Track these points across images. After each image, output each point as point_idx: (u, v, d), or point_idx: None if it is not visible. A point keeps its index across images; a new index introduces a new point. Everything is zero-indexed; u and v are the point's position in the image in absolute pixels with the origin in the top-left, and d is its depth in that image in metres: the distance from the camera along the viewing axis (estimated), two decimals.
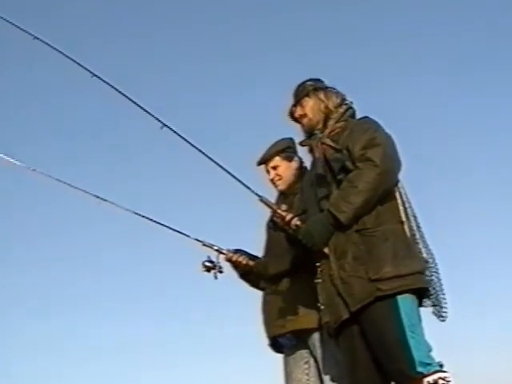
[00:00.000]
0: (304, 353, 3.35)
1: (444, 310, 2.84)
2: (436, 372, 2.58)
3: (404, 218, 2.83)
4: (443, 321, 2.85)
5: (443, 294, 2.86)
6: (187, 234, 3.45)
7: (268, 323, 3.42)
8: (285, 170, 3.51)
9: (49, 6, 8.44)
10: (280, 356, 3.49)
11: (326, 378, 3.22)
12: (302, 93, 3.12)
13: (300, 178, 3.46)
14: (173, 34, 8.93)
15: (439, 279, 2.87)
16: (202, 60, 8.84)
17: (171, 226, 3.46)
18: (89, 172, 8.05)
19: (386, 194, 2.80)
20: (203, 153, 3.10)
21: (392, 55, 8.69)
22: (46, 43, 3.25)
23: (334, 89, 3.14)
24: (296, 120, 3.15)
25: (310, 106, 3.08)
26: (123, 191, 7.74)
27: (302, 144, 3.14)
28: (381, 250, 2.70)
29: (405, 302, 2.67)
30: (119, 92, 3.19)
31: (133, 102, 3.18)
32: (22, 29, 3.27)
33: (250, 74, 8.74)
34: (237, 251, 3.45)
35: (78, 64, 3.20)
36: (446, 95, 8.64)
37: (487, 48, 8.72)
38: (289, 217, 2.94)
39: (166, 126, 3.14)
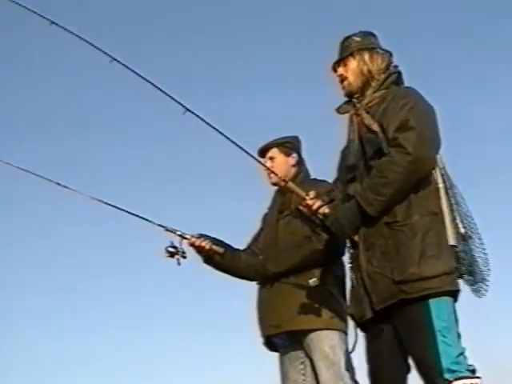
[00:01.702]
0: (299, 353, 3.34)
1: (485, 287, 2.70)
2: (463, 378, 2.46)
3: (443, 196, 2.66)
4: (481, 296, 2.71)
5: (487, 268, 2.70)
6: (150, 219, 3.40)
7: (262, 322, 3.41)
8: (280, 163, 3.52)
9: None
10: (275, 355, 3.47)
11: (322, 379, 3.23)
12: (346, 50, 2.89)
13: (297, 175, 3.51)
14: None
15: (483, 252, 2.70)
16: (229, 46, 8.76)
17: (134, 212, 3.41)
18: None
19: (420, 181, 2.63)
20: (229, 138, 3.02)
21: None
22: (64, 28, 3.18)
23: (384, 50, 2.90)
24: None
25: (353, 68, 2.85)
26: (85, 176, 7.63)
27: (339, 111, 2.92)
28: (408, 249, 2.56)
29: (438, 305, 2.54)
30: (140, 76, 3.10)
31: (155, 86, 3.08)
32: (39, 14, 3.20)
33: (282, 66, 8.37)
34: (200, 236, 3.39)
35: (97, 48, 3.14)
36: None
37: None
38: (317, 205, 2.77)
39: (189, 110, 3.05)
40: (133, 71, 3.12)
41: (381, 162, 2.62)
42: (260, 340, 3.48)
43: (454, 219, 2.66)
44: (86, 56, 3.36)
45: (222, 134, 3.03)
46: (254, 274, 3.51)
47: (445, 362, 2.48)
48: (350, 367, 3.24)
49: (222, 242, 3.49)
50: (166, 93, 3.10)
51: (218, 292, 6.43)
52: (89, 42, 3.19)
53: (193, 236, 3.41)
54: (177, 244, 3.37)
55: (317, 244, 3.29)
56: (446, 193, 2.68)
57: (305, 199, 2.82)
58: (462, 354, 2.55)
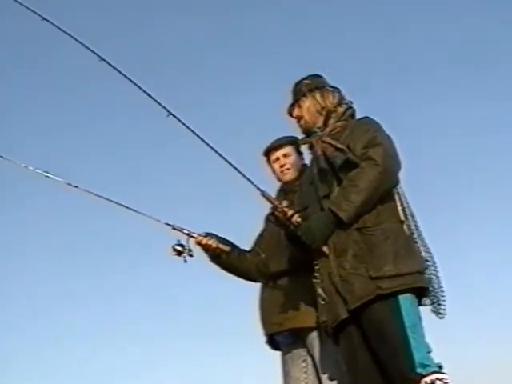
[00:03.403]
0: (302, 351, 3.33)
1: (442, 307, 2.84)
2: (434, 373, 2.57)
3: (403, 218, 2.84)
4: (441, 318, 2.85)
5: (442, 292, 2.85)
6: (157, 218, 3.41)
7: (265, 320, 3.40)
8: (295, 161, 3.52)
9: None
10: (278, 353, 3.46)
11: (324, 377, 3.22)
12: (298, 93, 3.10)
13: (301, 175, 3.47)
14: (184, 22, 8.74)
15: (438, 277, 2.87)
16: (214, 47, 8.71)
17: (142, 211, 3.41)
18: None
19: (386, 193, 2.80)
20: (207, 143, 3.08)
21: (394, 55, 8.75)
22: (55, 25, 3.19)
23: (333, 87, 3.12)
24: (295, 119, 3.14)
25: (307, 107, 3.06)
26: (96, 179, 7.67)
27: (301, 142, 3.15)
28: (382, 249, 2.70)
29: (406, 301, 2.66)
30: (126, 78, 3.16)
31: (140, 88, 3.15)
32: (30, 9, 3.20)
33: (263, 68, 8.55)
34: (207, 235, 3.42)
35: (86, 47, 3.17)
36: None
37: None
38: (290, 213, 2.91)
39: (171, 114, 3.13)
40: (120, 72, 3.17)
41: (352, 173, 2.77)
42: (263, 339, 3.47)
43: (415, 242, 2.86)
44: (75, 54, 3.37)
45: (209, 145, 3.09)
46: (258, 274, 3.50)
47: (417, 356, 2.58)
48: None
49: (229, 241, 3.51)
50: (150, 95, 3.16)
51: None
52: (79, 40, 3.20)
53: (200, 234, 3.43)
54: (184, 242, 3.39)
55: None
56: (406, 220, 2.86)
57: (278, 206, 2.97)
58: (430, 351, 2.66)
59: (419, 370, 2.56)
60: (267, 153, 3.56)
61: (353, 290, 2.68)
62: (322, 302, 2.81)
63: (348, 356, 2.80)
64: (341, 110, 3.04)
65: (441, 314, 2.85)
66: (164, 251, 3.39)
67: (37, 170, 3.45)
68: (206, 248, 3.43)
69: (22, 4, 3.21)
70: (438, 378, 2.56)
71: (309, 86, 3.09)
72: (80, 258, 8.02)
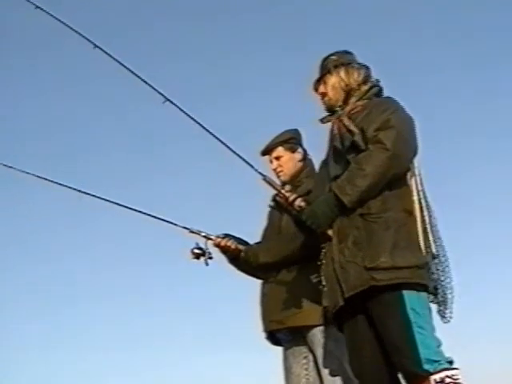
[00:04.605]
0: (303, 348, 3.34)
1: (449, 310, 2.75)
2: (444, 370, 2.50)
3: (417, 206, 2.73)
4: (446, 322, 2.76)
5: (451, 294, 2.75)
6: (174, 222, 3.41)
7: (265, 318, 3.40)
8: (287, 160, 3.50)
9: None
10: (279, 349, 3.48)
11: (325, 374, 3.22)
12: (324, 69, 3.03)
13: (303, 169, 3.49)
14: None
15: (448, 277, 2.76)
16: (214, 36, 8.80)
17: (158, 216, 3.41)
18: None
19: (395, 178, 2.71)
20: (206, 128, 3.10)
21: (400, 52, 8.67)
22: (49, 13, 3.22)
23: (360, 64, 3.03)
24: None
25: (331, 84, 2.98)
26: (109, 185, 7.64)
27: (322, 121, 3.02)
28: (381, 238, 2.62)
29: (411, 296, 2.59)
30: (122, 65, 3.16)
31: (136, 75, 3.16)
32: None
33: (264, 58, 8.70)
34: (225, 236, 3.40)
35: (80, 34, 3.18)
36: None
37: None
38: (292, 197, 2.90)
39: (168, 100, 3.13)
40: (114, 59, 3.16)
41: (359, 156, 2.70)
42: (262, 335, 3.47)
43: (427, 238, 2.72)
44: (70, 41, 3.35)
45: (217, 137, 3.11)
46: (248, 265, 3.45)
47: (424, 353, 2.52)
48: None
49: (246, 242, 3.48)
50: (146, 81, 3.16)
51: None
52: (72, 28, 3.20)
53: (218, 236, 3.42)
54: (202, 245, 3.39)
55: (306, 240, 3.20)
56: (421, 210, 2.74)
57: (280, 191, 2.98)
58: (440, 345, 2.60)
59: (426, 367, 2.50)
60: (263, 155, 3.56)
61: (348, 279, 2.64)
62: (325, 288, 2.78)
63: (352, 346, 2.77)
64: (364, 88, 2.95)
65: (445, 317, 2.76)
66: (179, 255, 3.42)
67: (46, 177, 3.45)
68: (225, 250, 3.41)
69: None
70: (447, 376, 2.49)
71: (335, 63, 3.01)
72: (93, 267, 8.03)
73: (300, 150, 3.55)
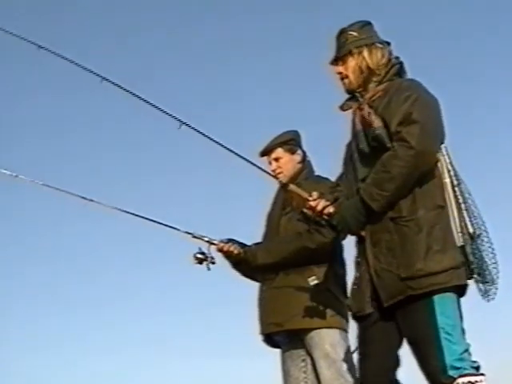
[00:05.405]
0: (301, 351, 3.34)
1: (494, 287, 2.63)
2: (467, 375, 2.44)
3: (450, 191, 2.62)
4: (489, 301, 2.64)
5: (496, 270, 2.62)
6: (177, 227, 3.41)
7: (263, 320, 3.39)
8: (286, 162, 3.47)
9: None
10: (277, 352, 3.48)
11: (323, 377, 3.25)
12: (344, 48, 2.80)
13: (302, 171, 3.48)
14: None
15: (491, 253, 2.62)
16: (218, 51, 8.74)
17: (160, 221, 3.42)
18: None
19: (424, 174, 2.59)
20: (224, 146, 3.09)
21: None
22: (52, 51, 3.26)
23: (381, 42, 2.81)
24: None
25: (353, 66, 2.77)
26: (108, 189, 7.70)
27: (342, 108, 2.84)
28: (414, 245, 2.52)
29: (442, 301, 2.51)
30: (132, 94, 3.18)
31: (148, 102, 3.16)
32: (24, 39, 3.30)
33: (264, 58, 8.52)
34: (229, 241, 3.40)
35: (86, 69, 3.20)
36: None
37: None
38: (321, 205, 2.74)
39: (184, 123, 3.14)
40: (125, 89, 3.18)
41: (385, 157, 2.58)
42: (260, 337, 3.47)
43: (462, 219, 2.62)
44: (77, 77, 3.40)
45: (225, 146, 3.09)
46: (248, 267, 3.46)
47: (448, 359, 2.46)
48: (351, 365, 3.19)
49: (250, 247, 3.47)
50: (159, 108, 3.15)
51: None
52: (78, 63, 3.25)
53: (221, 241, 3.41)
54: (205, 250, 3.39)
55: (307, 242, 3.27)
56: (453, 189, 2.64)
57: (308, 200, 2.79)
58: (466, 350, 2.52)
59: (451, 373, 2.44)
60: (261, 156, 3.55)
61: (385, 287, 2.56)
62: (355, 287, 2.72)
63: (364, 342, 2.70)
64: (384, 70, 2.75)
65: (489, 296, 2.65)
66: (181, 259, 3.43)
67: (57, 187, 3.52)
68: (228, 255, 3.40)
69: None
70: (470, 381, 2.44)
71: (356, 43, 2.78)
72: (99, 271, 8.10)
73: (299, 151, 3.52)
